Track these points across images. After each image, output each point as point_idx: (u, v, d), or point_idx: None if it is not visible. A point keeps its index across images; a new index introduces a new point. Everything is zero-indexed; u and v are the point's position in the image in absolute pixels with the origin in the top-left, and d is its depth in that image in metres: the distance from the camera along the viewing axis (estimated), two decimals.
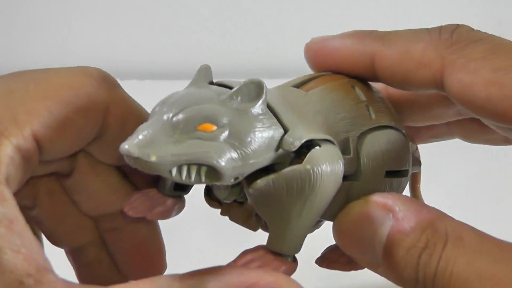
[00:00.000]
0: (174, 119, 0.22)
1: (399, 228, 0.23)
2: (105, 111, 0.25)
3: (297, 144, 0.23)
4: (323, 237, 0.27)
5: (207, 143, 0.22)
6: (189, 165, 0.21)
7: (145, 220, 0.29)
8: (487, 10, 0.83)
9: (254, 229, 0.26)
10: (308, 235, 0.25)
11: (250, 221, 0.26)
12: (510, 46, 0.25)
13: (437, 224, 0.23)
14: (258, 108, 0.23)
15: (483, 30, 0.26)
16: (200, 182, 0.22)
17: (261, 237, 0.25)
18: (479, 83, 0.24)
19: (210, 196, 0.27)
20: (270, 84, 0.25)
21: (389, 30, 0.28)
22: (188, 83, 0.25)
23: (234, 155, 0.22)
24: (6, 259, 0.19)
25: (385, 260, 0.23)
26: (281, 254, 0.24)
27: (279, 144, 0.23)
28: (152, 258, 0.30)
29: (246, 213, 0.26)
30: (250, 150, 0.22)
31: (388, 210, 0.23)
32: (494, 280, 0.21)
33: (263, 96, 0.23)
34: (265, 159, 0.23)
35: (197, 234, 0.43)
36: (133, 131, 0.23)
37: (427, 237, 0.22)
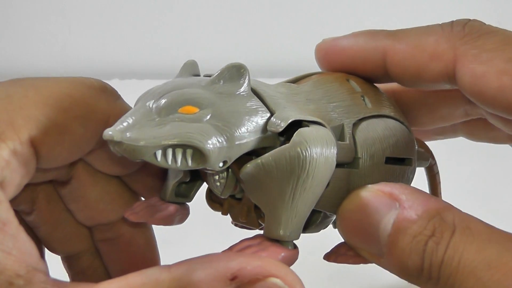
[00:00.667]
0: (156, 104, 0.22)
1: (405, 216, 0.22)
2: (105, 121, 0.25)
3: (283, 124, 0.22)
4: (329, 238, 0.27)
5: (190, 124, 0.21)
6: (174, 148, 0.21)
7: (141, 231, 0.29)
8: (487, 10, 0.83)
9: (256, 226, 0.25)
10: (316, 234, 0.24)
11: (250, 216, 0.25)
12: None
13: (445, 213, 0.22)
14: (241, 90, 0.23)
15: None
16: (187, 166, 0.21)
17: None
18: (491, 73, 0.24)
19: (212, 199, 0.26)
20: (270, 83, 0.25)
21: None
22: None
23: (219, 136, 0.22)
24: None
25: (390, 249, 0.22)
26: (280, 242, 0.23)
27: (266, 126, 0.23)
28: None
29: (245, 208, 0.25)
30: (235, 131, 0.22)
31: (394, 199, 0.23)
32: (505, 269, 0.21)
33: (246, 78, 0.23)
34: (251, 141, 0.22)
35: (198, 240, 0.43)
36: None
37: (434, 225, 0.22)
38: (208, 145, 0.21)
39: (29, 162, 0.23)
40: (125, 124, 0.21)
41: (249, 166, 0.23)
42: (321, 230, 0.27)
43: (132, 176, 0.28)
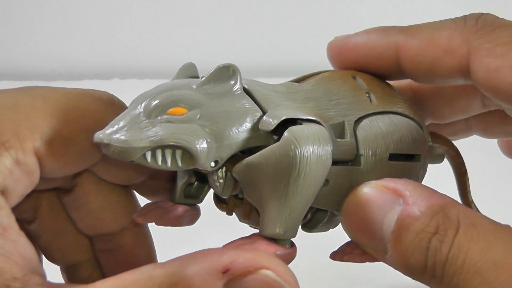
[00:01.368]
0: (145, 107, 0.22)
1: (409, 212, 0.22)
2: None
3: (275, 122, 0.22)
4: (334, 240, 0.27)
5: (178, 125, 0.22)
6: (163, 149, 0.21)
7: (142, 243, 0.29)
8: (486, 11, 0.82)
9: (258, 225, 0.26)
10: (323, 234, 0.24)
11: (252, 215, 0.25)
12: None
13: (449, 209, 0.22)
14: (232, 91, 0.23)
15: None
16: (177, 167, 0.22)
17: None
18: (506, 67, 0.23)
19: (219, 199, 0.26)
20: (270, 83, 0.25)
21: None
22: None
23: (207, 136, 0.22)
24: None
25: (393, 245, 0.22)
26: (276, 240, 0.23)
27: (258, 126, 0.23)
28: None
29: (247, 207, 0.25)
30: (224, 130, 0.22)
31: (398, 195, 0.22)
32: (511, 269, 0.20)
33: (237, 79, 0.23)
34: (242, 141, 0.23)
35: (207, 242, 0.43)
36: None
37: (437, 222, 0.22)
38: (196, 145, 0.21)
39: (33, 172, 0.23)
40: (114, 127, 0.22)
41: (240, 165, 0.23)
42: (330, 229, 0.27)
43: (141, 184, 0.28)
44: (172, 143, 0.21)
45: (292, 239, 0.24)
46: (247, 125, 0.23)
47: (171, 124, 0.22)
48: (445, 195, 0.23)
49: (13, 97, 0.24)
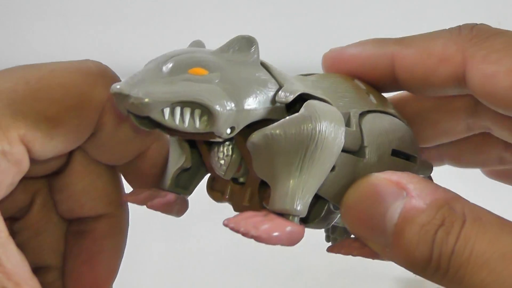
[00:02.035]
0: (166, 64, 0.22)
1: (413, 205, 0.22)
2: (101, 109, 0.25)
3: (292, 96, 0.22)
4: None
5: (200, 84, 0.21)
6: (182, 107, 0.21)
7: (112, 234, 0.28)
8: (487, 10, 0.83)
9: (259, 210, 0.25)
10: (323, 234, 0.24)
11: (254, 200, 0.25)
12: None
13: (454, 203, 0.22)
14: (251, 60, 0.23)
15: None
16: (194, 128, 0.21)
17: None
18: (501, 72, 0.23)
19: (213, 187, 0.26)
20: None
21: (390, 34, 0.28)
22: None
23: (228, 98, 0.21)
24: None
25: (396, 239, 0.22)
26: (285, 216, 0.22)
27: (274, 98, 0.22)
28: (98, 279, 0.28)
29: (248, 191, 0.25)
30: (244, 96, 0.22)
31: (401, 188, 0.22)
32: None
33: (256, 49, 0.23)
34: (260, 110, 0.22)
35: (200, 233, 0.43)
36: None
37: (443, 215, 0.21)
38: (218, 106, 0.21)
39: (21, 161, 0.23)
40: (134, 80, 0.21)
41: (256, 135, 0.22)
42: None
43: (129, 166, 0.28)
44: (193, 100, 0.21)
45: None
46: (266, 95, 0.22)
47: (193, 83, 0.21)
48: (449, 190, 0.23)
49: None
